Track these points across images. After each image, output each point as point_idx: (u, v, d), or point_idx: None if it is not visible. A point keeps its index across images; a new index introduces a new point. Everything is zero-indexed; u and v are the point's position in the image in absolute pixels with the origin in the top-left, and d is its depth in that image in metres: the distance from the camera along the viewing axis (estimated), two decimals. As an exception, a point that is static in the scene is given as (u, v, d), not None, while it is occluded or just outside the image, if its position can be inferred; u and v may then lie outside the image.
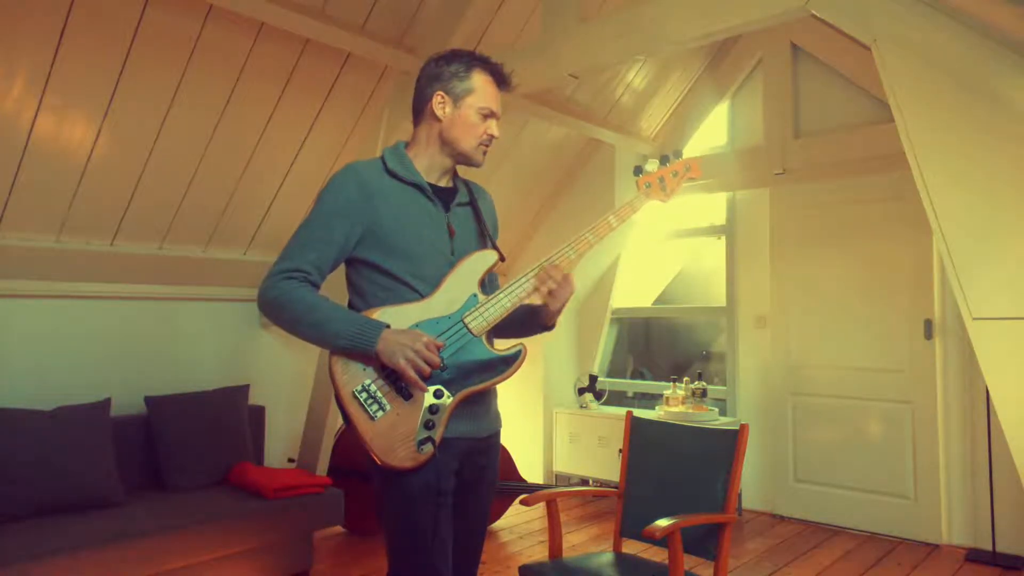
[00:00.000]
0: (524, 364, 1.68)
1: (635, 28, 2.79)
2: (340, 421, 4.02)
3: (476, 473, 1.73)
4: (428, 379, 1.57)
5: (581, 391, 5.20)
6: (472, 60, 1.73)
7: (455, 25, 3.48)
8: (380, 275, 1.65)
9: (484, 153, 1.76)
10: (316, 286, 1.62)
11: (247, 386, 3.77)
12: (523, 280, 1.70)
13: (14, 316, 3.22)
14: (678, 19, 2.68)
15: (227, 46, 3.12)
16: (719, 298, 5.03)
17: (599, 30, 2.92)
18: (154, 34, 2.90)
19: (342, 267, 1.73)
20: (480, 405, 1.71)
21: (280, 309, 1.58)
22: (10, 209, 3.03)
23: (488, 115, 1.73)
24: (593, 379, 5.21)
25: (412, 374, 1.53)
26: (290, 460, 4.11)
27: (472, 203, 1.82)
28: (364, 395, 1.57)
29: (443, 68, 1.72)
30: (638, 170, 1.87)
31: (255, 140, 3.51)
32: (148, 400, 3.41)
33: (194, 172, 3.43)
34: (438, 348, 1.57)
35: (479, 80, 1.71)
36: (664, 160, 1.88)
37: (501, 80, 1.75)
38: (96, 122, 3.02)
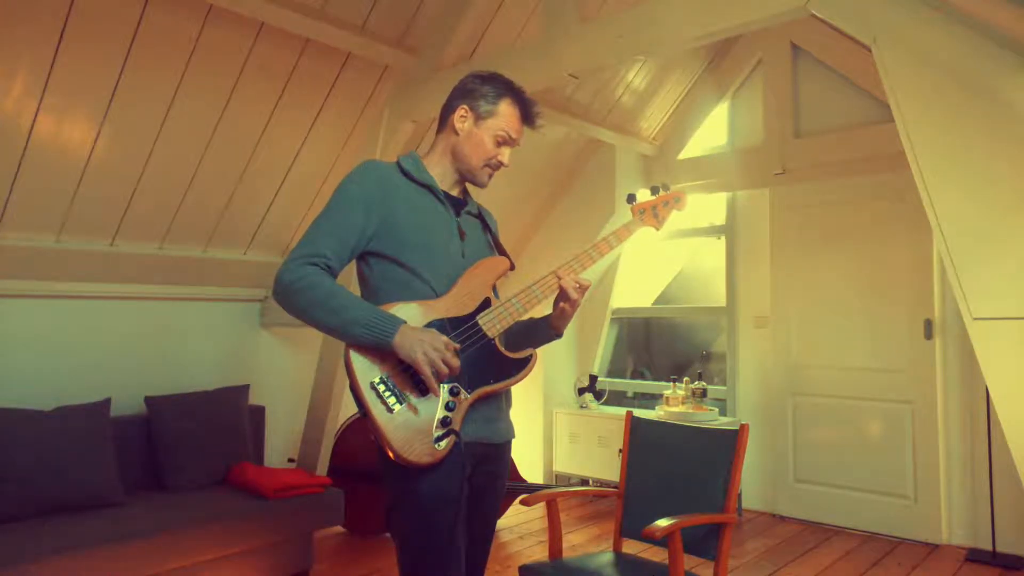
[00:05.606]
0: (525, 365, 1.72)
1: (635, 28, 2.78)
2: (340, 421, 4.02)
3: (487, 479, 1.73)
4: (445, 378, 1.57)
5: (581, 391, 5.21)
6: (506, 89, 1.77)
7: (455, 25, 3.48)
8: (396, 269, 1.66)
9: (490, 176, 1.79)
10: (334, 274, 1.62)
11: (247, 386, 3.77)
12: (534, 287, 1.72)
13: (14, 316, 3.22)
14: (678, 19, 2.67)
15: (227, 46, 3.12)
16: (719, 298, 5.03)
17: (599, 30, 2.92)
18: (154, 34, 2.90)
19: (351, 268, 1.73)
20: (495, 410, 1.72)
21: (298, 293, 1.56)
22: (10, 209, 3.03)
23: (503, 142, 1.76)
24: (593, 379, 5.21)
25: (428, 370, 1.52)
26: (290, 460, 4.11)
27: (480, 216, 1.86)
28: (382, 387, 1.56)
29: (477, 86, 1.76)
30: (631, 198, 1.94)
31: (255, 140, 3.51)
32: (148, 400, 3.41)
33: (194, 172, 3.43)
34: (456, 351, 1.57)
35: (505, 108, 1.75)
36: (655, 190, 1.97)
37: (527, 116, 1.78)
38: (96, 122, 3.02)
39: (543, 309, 1.79)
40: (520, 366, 1.69)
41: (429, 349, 1.52)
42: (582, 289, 1.74)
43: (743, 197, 4.86)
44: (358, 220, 1.63)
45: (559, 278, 1.73)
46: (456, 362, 1.56)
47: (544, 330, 1.83)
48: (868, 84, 4.20)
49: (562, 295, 1.74)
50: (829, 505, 4.31)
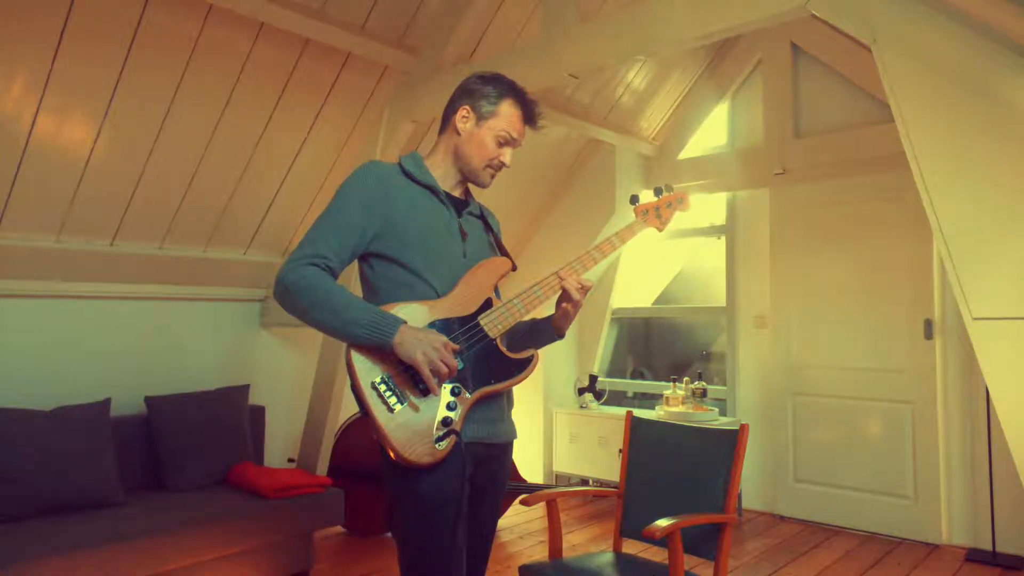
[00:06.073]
0: (526, 365, 1.71)
1: (635, 28, 2.78)
2: (340, 421, 4.02)
3: (488, 480, 1.73)
4: (445, 379, 1.57)
5: (581, 391, 5.21)
6: (508, 89, 1.77)
7: (455, 25, 3.47)
8: (397, 269, 1.66)
9: (492, 176, 1.80)
10: (335, 274, 1.63)
11: (247, 386, 3.76)
12: (536, 288, 1.72)
13: (15, 316, 3.22)
14: (678, 19, 2.67)
15: (227, 46, 3.12)
16: (719, 298, 5.03)
17: (599, 30, 2.91)
18: (154, 34, 2.91)
19: (352, 269, 1.73)
20: (496, 411, 1.72)
21: (299, 294, 1.57)
22: (10, 209, 3.03)
23: (504, 142, 1.76)
24: (593, 379, 5.21)
25: (427, 371, 1.52)
26: (290, 460, 4.11)
27: (482, 217, 1.87)
28: (383, 387, 1.56)
29: (479, 86, 1.76)
30: (634, 199, 1.94)
31: (255, 140, 3.51)
32: (148, 400, 3.40)
33: (194, 172, 3.43)
34: (455, 351, 1.57)
35: (506, 108, 1.75)
36: (657, 192, 1.97)
37: (529, 117, 1.78)
38: (96, 122, 3.02)
39: (545, 310, 1.79)
40: (521, 366, 1.69)
41: (428, 349, 1.53)
42: (584, 290, 1.74)
43: (743, 197, 4.86)
44: (359, 221, 1.64)
45: (561, 279, 1.73)
46: (454, 362, 1.56)
47: (546, 331, 1.83)
48: (868, 84, 4.20)
49: (564, 296, 1.75)
50: (829, 505, 4.31)
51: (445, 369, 1.54)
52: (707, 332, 5.55)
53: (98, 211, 3.28)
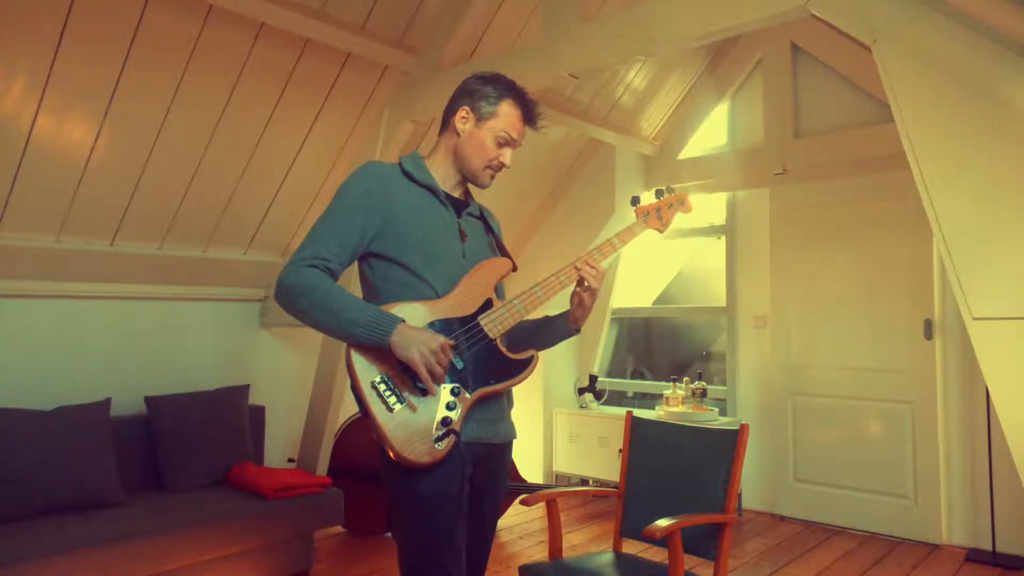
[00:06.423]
0: (526, 366, 1.71)
1: (635, 28, 2.78)
2: (340, 421, 4.02)
3: (487, 480, 1.73)
4: (441, 380, 1.57)
5: (581, 391, 5.21)
6: (508, 89, 1.76)
7: (455, 25, 3.47)
8: (396, 269, 1.66)
9: (492, 177, 1.79)
10: (335, 275, 1.63)
11: (247, 386, 3.77)
12: (537, 289, 1.72)
13: (14, 316, 3.22)
14: (678, 19, 2.67)
15: (227, 46, 3.12)
16: (719, 298, 5.03)
17: (599, 30, 2.91)
18: (154, 34, 2.91)
19: (355, 272, 1.73)
20: (496, 411, 1.72)
21: (299, 295, 1.57)
22: (10, 209, 3.03)
23: (504, 143, 1.75)
24: (593, 379, 5.21)
25: (424, 371, 1.53)
26: (290, 460, 4.11)
27: (482, 218, 1.86)
28: (383, 386, 1.56)
29: (479, 86, 1.76)
30: (635, 200, 1.94)
31: (255, 140, 3.51)
32: (148, 400, 3.40)
33: (194, 172, 3.43)
34: (453, 348, 1.58)
35: (506, 109, 1.75)
36: (659, 193, 1.96)
37: (529, 117, 1.78)
38: (96, 122, 3.02)
39: (545, 311, 1.79)
40: (521, 367, 1.69)
41: (424, 349, 1.53)
42: (600, 276, 1.75)
43: (743, 197, 4.87)
44: (359, 221, 1.64)
45: (577, 269, 1.73)
46: (448, 363, 1.56)
47: (560, 327, 1.82)
48: (868, 84, 4.20)
49: (581, 283, 1.74)
50: (829, 505, 4.31)
51: (440, 370, 1.54)
52: (707, 332, 5.55)
53: (98, 211, 3.28)
